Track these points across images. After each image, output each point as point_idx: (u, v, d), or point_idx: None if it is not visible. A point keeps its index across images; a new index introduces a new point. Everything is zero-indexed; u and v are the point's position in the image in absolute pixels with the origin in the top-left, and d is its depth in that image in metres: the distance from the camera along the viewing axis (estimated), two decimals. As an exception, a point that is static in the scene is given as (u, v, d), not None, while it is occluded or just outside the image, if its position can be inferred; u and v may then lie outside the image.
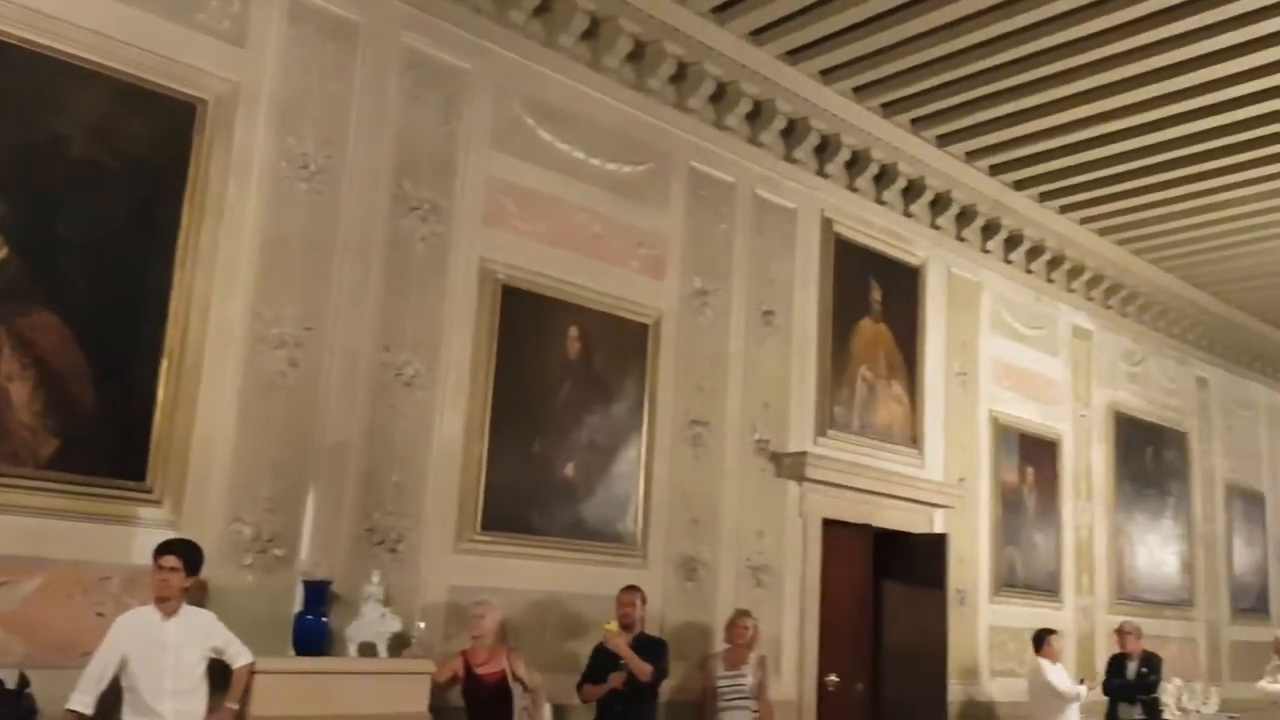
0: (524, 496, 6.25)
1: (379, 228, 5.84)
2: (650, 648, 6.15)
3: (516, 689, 5.63)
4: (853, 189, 8.53)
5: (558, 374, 6.53)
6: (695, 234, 7.41)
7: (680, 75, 7.27)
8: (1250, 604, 12.57)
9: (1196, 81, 7.50)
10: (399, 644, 5.43)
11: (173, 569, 4.59)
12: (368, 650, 5.33)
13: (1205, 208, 9.64)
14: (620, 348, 6.86)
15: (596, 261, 6.79)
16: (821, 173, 8.29)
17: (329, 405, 5.53)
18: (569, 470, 6.48)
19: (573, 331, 6.62)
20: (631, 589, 6.28)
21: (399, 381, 5.81)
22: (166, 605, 4.60)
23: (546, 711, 5.87)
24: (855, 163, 8.45)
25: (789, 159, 8.05)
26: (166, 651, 4.56)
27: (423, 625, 5.60)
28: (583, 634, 6.33)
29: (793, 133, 7.99)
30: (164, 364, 5.03)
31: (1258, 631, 12.02)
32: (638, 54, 7.03)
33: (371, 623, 5.34)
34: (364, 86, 5.87)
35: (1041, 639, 8.74)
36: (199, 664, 4.66)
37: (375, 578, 5.43)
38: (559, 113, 6.72)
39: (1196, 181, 9.08)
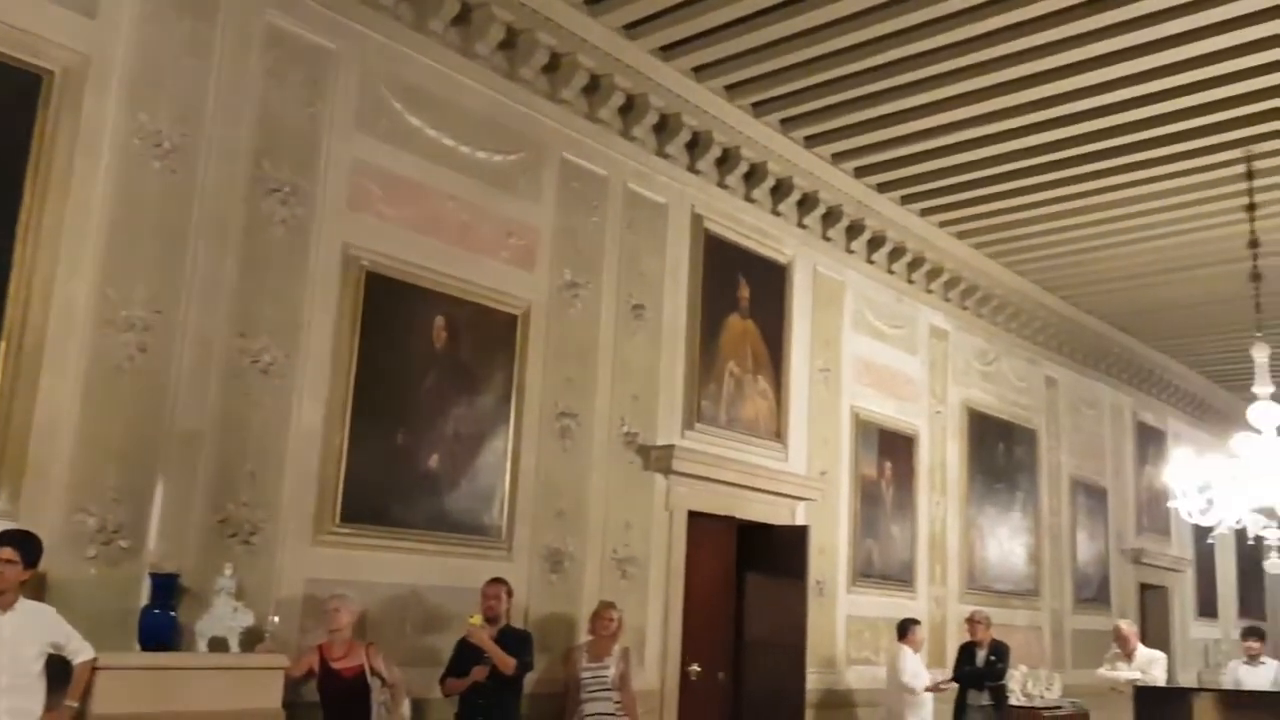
0: (385, 488, 6.13)
1: (236, 209, 5.65)
2: (515, 640, 6.13)
3: (374, 683, 5.54)
4: (723, 186, 8.65)
5: (423, 364, 6.44)
6: (566, 226, 7.40)
7: (553, 66, 7.25)
8: (1092, 594, 13.21)
9: (1054, 92, 7.78)
10: (252, 639, 5.27)
11: (8, 561, 4.38)
12: (219, 645, 5.16)
13: (1058, 215, 10.07)
14: (488, 338, 6.80)
15: (464, 250, 6.72)
16: (693, 169, 8.38)
17: (180, 391, 5.33)
18: (433, 462, 6.40)
19: (439, 321, 6.54)
20: (497, 581, 6.24)
21: (255, 368, 5.64)
22: (1, 599, 4.38)
23: (405, 706, 5.80)
24: (726, 160, 8.56)
25: (661, 154, 8.11)
26: (1, 647, 4.34)
27: (277, 619, 5.45)
28: (445, 627, 6.26)
29: (665, 128, 8.05)
30: (1, 345, 4.77)
31: (1098, 620, 12.63)
32: (510, 42, 6.97)
33: (222, 617, 5.18)
34: (223, 63, 5.67)
35: (906, 627, 9.06)
36: (36, 660, 4.46)
37: (228, 570, 5.26)
38: (428, 98, 6.62)
39: (1051, 189, 9.48)
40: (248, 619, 5.23)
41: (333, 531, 5.87)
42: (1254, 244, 8.95)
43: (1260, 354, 8.47)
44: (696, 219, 8.43)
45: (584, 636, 6.95)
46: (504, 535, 6.73)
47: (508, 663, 5.98)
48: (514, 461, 6.83)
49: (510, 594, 6.27)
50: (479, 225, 6.83)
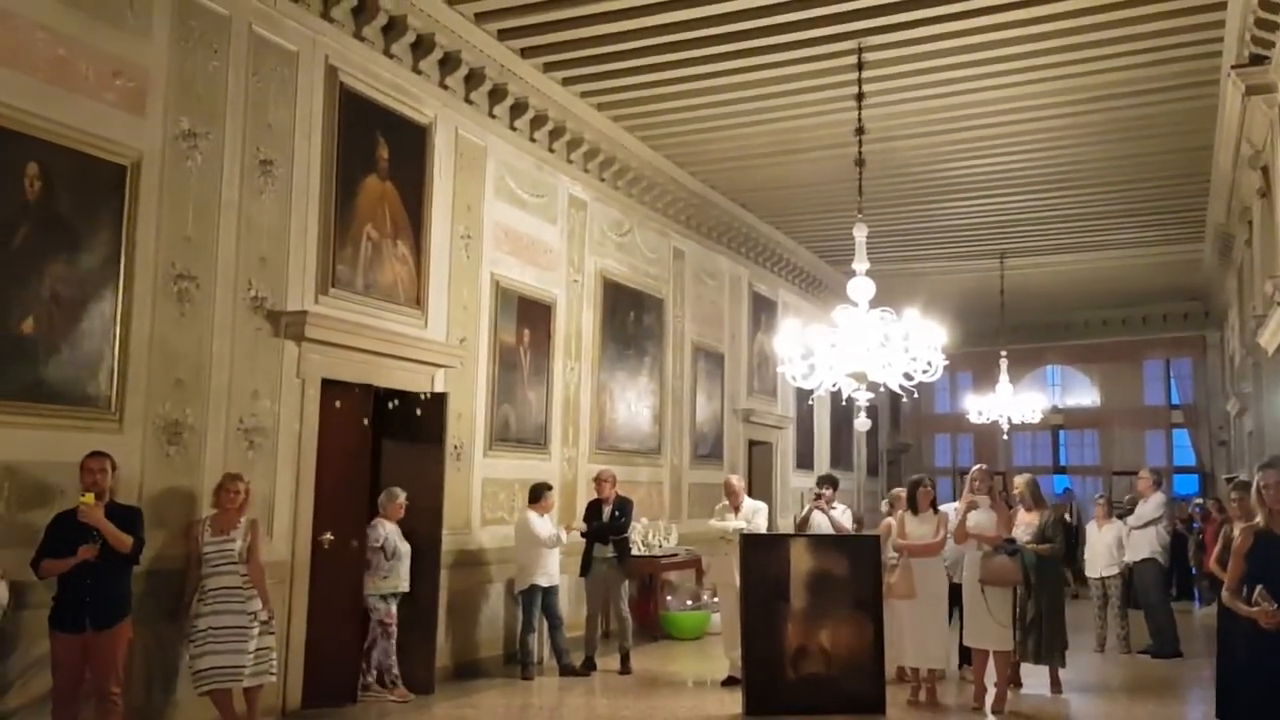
0: (-32, 355, 5.45)
1: None
2: (125, 517, 5.81)
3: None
4: (360, 38, 8.18)
5: (12, 217, 5.71)
6: (182, 69, 6.73)
7: (166, -115, 6.47)
8: (708, 450, 14.29)
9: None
10: None
11: None
12: None
13: (689, 93, 10.43)
14: (92, 190, 6.13)
15: (60, 90, 5.96)
16: (326, 16, 7.84)
17: None
18: (27, 326, 5.75)
19: (31, 169, 5.80)
20: (99, 455, 5.80)
21: None
22: None
23: (2, 590, 5.34)
24: (362, 10, 8.07)
25: (290, -3, 7.54)
26: None
27: None
28: (44, 504, 5.77)
29: (294, -31, 7.47)
30: None
31: (712, 474, 13.68)
32: None
33: None
34: None
35: (539, 493, 9.40)
36: None
37: None
38: (11, -92, 5.71)
39: (683, 68, 9.76)
40: None
41: (-99, 405, 5.16)
42: (860, 131, 9.72)
43: (860, 233, 9.31)
44: (331, 71, 7.95)
45: (207, 510, 6.63)
46: (113, 406, 6.21)
47: (124, 541, 5.69)
48: (123, 326, 6.27)
49: (115, 467, 5.86)
50: (78, 62, 6.07)
